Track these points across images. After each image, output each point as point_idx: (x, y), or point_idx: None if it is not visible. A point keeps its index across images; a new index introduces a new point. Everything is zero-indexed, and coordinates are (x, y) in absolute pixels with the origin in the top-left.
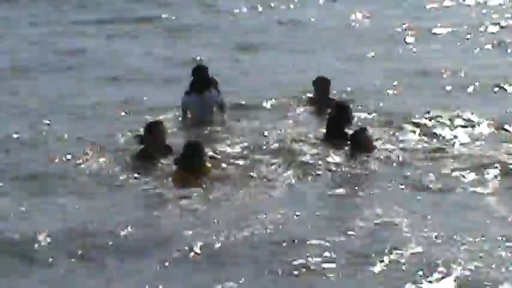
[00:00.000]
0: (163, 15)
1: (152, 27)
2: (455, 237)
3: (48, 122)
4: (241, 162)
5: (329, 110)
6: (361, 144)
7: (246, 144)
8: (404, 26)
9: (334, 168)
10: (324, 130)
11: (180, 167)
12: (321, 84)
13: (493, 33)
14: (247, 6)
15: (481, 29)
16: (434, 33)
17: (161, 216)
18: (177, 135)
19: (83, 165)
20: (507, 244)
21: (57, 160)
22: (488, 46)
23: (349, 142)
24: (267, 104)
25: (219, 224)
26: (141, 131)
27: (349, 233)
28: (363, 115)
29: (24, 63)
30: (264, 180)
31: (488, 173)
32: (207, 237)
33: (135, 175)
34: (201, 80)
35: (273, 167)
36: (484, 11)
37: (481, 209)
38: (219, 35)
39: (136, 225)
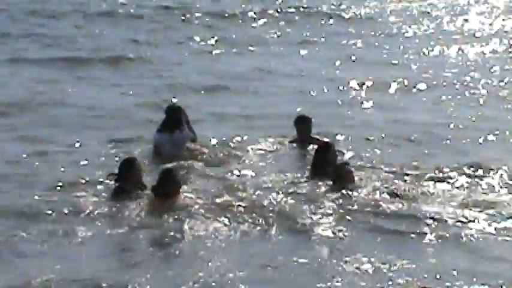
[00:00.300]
0: (132, 55)
1: (122, 66)
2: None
3: (20, 159)
4: (220, 199)
5: (314, 149)
6: (342, 177)
7: (227, 183)
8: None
9: (316, 209)
10: (307, 170)
11: (156, 194)
12: (302, 123)
13: (474, 83)
14: (220, 48)
15: (464, 79)
16: (414, 85)
17: (141, 259)
18: (150, 172)
19: (59, 203)
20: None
21: (29, 198)
22: (472, 97)
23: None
24: (248, 146)
25: (205, 265)
26: (115, 169)
27: (334, 279)
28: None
29: None
30: (242, 218)
31: (466, 215)
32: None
33: (113, 212)
34: (172, 120)
35: (254, 207)
36: (468, 62)
37: (463, 249)
38: (193, 75)
39: (117, 266)
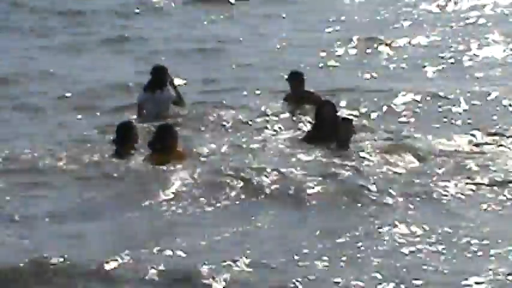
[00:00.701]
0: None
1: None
2: None
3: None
4: (217, 160)
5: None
6: (344, 133)
7: (224, 143)
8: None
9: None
10: (303, 126)
11: (153, 149)
12: (295, 79)
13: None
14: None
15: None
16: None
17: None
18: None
19: (60, 166)
20: None
21: (31, 164)
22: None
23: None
24: (244, 103)
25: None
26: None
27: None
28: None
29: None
30: (236, 180)
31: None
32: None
33: (113, 174)
34: (155, 80)
35: (251, 166)
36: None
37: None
38: (175, 41)
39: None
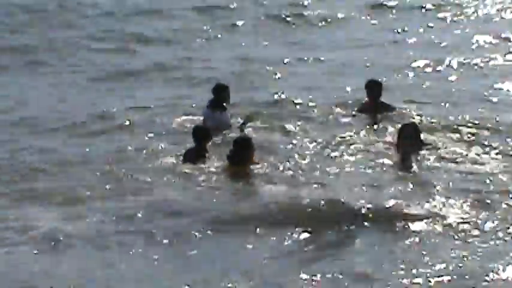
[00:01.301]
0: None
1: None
2: None
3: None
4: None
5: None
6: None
7: (301, 156)
8: None
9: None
10: (385, 137)
11: (232, 162)
12: (372, 87)
13: None
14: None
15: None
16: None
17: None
18: None
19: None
20: None
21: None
22: None
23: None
24: (320, 112)
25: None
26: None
27: None
28: None
29: None
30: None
31: None
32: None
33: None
34: (216, 99)
35: (336, 174)
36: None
37: None
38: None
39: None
